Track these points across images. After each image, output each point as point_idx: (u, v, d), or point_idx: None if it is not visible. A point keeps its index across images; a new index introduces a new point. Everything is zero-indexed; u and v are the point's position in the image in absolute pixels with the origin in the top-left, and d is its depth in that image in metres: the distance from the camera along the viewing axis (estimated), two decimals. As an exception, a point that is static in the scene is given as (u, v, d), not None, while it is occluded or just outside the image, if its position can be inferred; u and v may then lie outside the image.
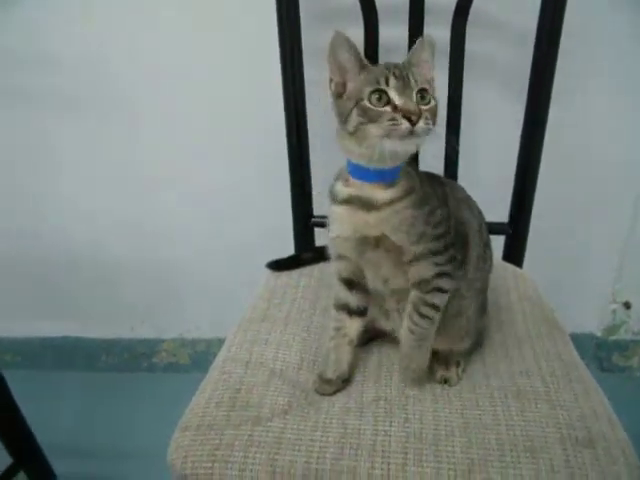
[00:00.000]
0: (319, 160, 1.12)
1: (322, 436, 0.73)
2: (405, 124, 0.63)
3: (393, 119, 0.63)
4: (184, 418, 0.79)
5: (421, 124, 0.63)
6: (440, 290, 0.73)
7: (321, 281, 1.04)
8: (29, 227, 1.55)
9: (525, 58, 1.00)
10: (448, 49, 1.01)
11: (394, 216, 0.69)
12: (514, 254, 1.11)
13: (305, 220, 1.13)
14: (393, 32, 1.02)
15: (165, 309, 1.66)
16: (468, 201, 0.81)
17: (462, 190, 0.82)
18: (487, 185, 0.99)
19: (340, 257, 0.78)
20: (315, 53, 1.01)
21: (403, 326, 0.77)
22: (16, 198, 1.52)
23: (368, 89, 0.65)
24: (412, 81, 0.65)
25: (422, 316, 0.74)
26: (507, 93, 1.24)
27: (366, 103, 0.65)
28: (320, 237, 1.14)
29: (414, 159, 1.06)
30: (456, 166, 1.07)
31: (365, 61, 0.68)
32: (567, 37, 0.97)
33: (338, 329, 0.81)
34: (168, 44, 1.29)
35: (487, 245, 0.83)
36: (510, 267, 1.09)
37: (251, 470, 0.70)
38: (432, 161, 1.02)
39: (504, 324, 0.93)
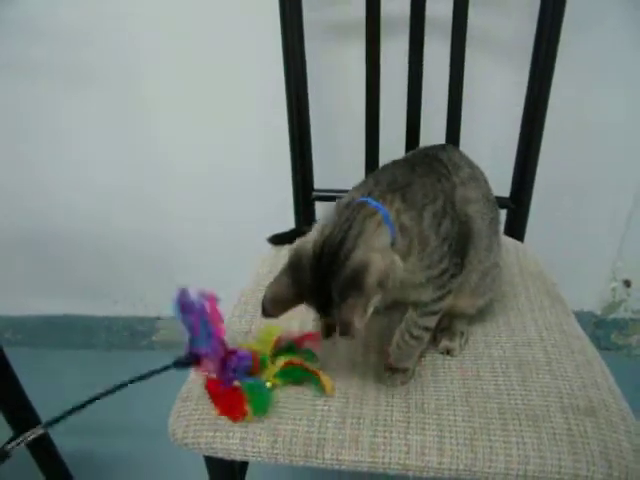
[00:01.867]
0: (320, 132, 1.12)
1: (324, 405, 0.73)
2: None
3: None
4: (185, 389, 0.79)
5: None
6: (435, 313, 0.75)
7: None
8: (29, 204, 1.55)
9: (529, 29, 0.99)
10: (450, 23, 1.00)
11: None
12: (516, 228, 1.11)
13: (306, 194, 1.12)
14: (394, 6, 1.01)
15: (165, 287, 1.65)
16: (474, 174, 0.80)
17: (465, 162, 0.80)
18: (489, 158, 0.98)
19: None
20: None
21: (393, 340, 0.78)
22: (16, 174, 1.51)
23: None
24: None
25: (412, 337, 0.76)
26: (510, 64, 1.22)
27: None
28: (321, 211, 1.13)
29: (414, 135, 1.06)
30: (458, 139, 1.06)
31: None
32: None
33: None
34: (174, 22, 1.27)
35: (496, 208, 0.83)
36: (512, 241, 1.09)
37: (252, 439, 0.70)
38: (434, 134, 1.02)
39: (506, 296, 0.92)
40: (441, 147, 0.82)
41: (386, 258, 0.64)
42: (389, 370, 0.77)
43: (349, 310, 0.60)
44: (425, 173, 0.74)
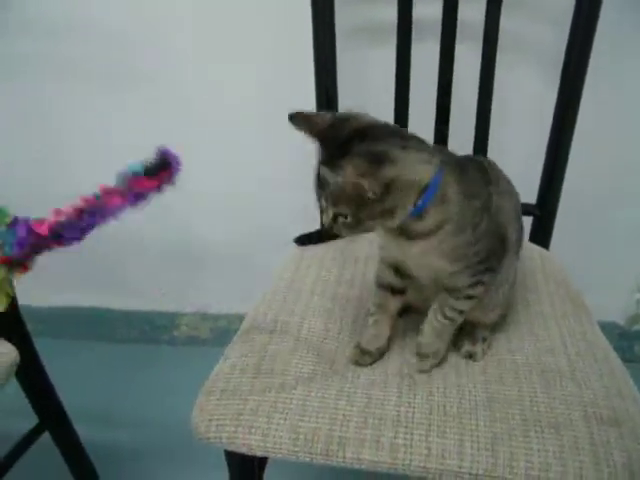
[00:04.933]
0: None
1: (346, 405, 0.73)
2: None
3: None
4: (208, 383, 0.80)
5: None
6: (470, 298, 0.76)
7: (346, 255, 1.04)
8: (53, 196, 1.56)
9: (560, 37, 0.99)
10: (482, 28, 1.00)
11: (432, 248, 0.70)
12: (541, 236, 1.11)
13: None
14: (426, 10, 1.02)
15: (187, 283, 1.67)
16: (509, 188, 0.81)
17: (503, 178, 0.81)
18: (516, 165, 0.97)
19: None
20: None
21: (426, 320, 0.79)
22: (41, 166, 1.53)
23: None
24: (324, 204, 0.71)
25: (446, 317, 0.77)
26: (540, 72, 1.22)
27: None
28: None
29: (443, 140, 1.06)
30: (486, 145, 1.06)
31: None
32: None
33: (380, 305, 0.82)
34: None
35: (521, 227, 0.84)
36: (537, 248, 1.09)
37: (274, 436, 0.71)
38: (463, 139, 1.02)
39: (530, 303, 0.92)
40: (482, 158, 0.83)
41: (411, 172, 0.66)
42: (419, 355, 0.79)
43: (357, 168, 0.62)
44: (475, 170, 0.75)
